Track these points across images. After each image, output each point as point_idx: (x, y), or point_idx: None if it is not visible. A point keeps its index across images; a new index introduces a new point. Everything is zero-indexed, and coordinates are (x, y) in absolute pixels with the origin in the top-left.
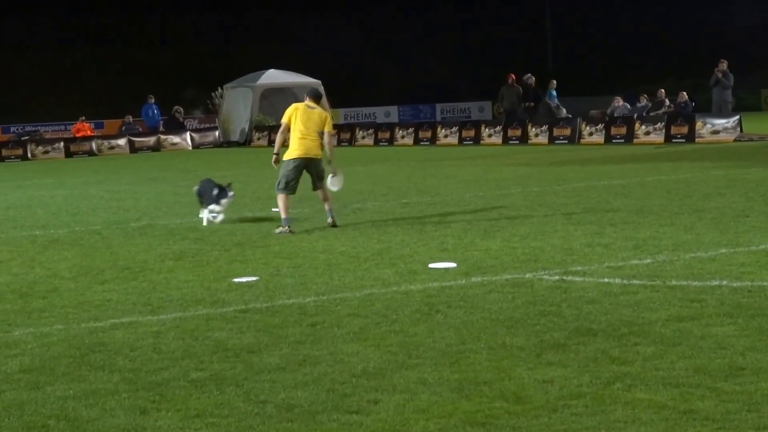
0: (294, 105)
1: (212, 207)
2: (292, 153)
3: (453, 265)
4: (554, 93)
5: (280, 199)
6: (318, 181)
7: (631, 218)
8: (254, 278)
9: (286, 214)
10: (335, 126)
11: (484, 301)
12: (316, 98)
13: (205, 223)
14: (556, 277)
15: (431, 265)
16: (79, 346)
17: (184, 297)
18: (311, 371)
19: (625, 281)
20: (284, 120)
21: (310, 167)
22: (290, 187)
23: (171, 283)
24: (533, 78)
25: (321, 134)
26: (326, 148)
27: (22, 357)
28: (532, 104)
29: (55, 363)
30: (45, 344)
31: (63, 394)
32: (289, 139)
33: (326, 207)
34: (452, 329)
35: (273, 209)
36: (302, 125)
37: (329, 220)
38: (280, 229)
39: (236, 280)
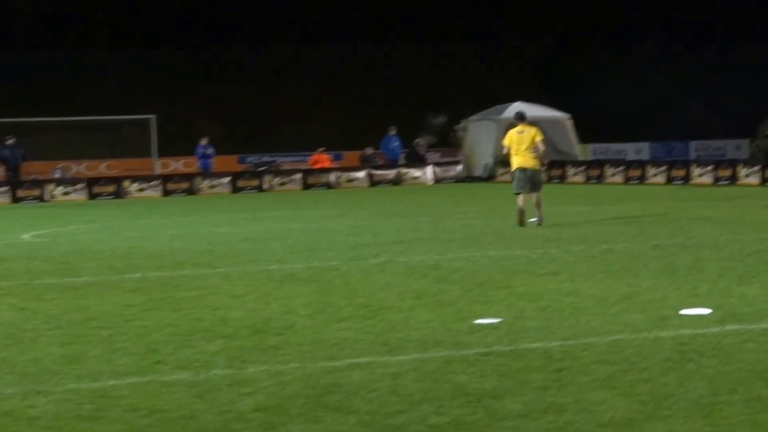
0: (510, 132)
1: None
2: (513, 166)
3: (707, 311)
4: None
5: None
6: (529, 185)
7: None
8: (497, 320)
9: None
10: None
11: (740, 351)
12: (522, 120)
13: None
14: None
15: (683, 312)
16: (314, 386)
17: (424, 338)
18: (556, 419)
19: None
20: (505, 143)
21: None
22: (518, 188)
23: (410, 322)
24: None
25: (535, 148)
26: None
27: (256, 395)
28: None
29: (290, 403)
30: (280, 383)
31: None
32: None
33: (537, 212)
34: (705, 379)
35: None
36: (516, 146)
37: (537, 221)
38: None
39: (478, 321)
